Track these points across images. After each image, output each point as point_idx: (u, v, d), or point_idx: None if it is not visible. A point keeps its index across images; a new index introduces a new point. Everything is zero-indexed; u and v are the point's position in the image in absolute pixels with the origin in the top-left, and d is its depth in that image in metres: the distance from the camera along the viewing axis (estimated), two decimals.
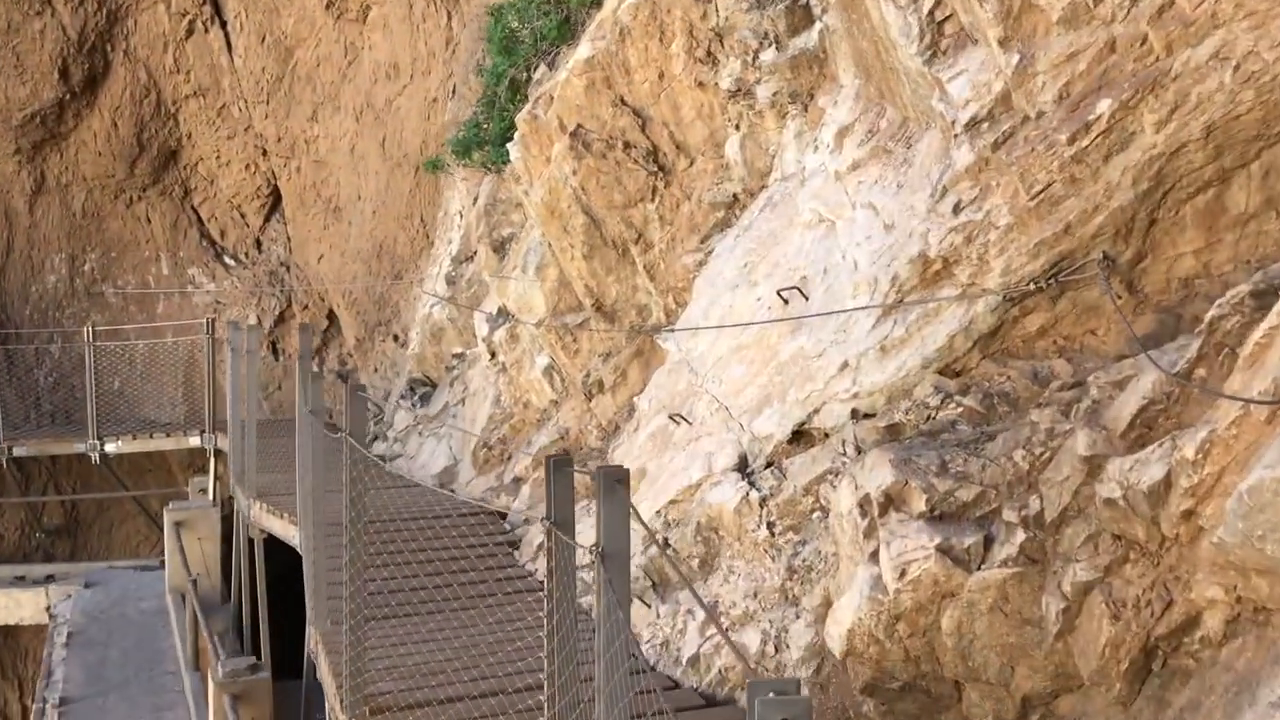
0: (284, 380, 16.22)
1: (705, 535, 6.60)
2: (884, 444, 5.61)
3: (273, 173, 16.12)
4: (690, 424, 7.08)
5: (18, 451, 14.92)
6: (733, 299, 7.35)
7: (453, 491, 10.62)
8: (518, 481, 9.85)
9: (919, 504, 5.07)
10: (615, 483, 4.30)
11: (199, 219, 16.62)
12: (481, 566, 8.53)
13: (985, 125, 5.52)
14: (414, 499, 10.43)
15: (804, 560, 6.04)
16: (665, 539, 6.81)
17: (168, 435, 15.24)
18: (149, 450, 15.51)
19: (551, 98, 8.63)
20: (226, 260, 16.52)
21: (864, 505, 5.28)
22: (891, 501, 5.15)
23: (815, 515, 6.09)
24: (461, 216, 11.87)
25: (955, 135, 5.66)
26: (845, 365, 6.13)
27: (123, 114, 15.88)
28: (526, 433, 10.09)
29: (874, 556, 5.15)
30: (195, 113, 16.05)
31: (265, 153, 16.05)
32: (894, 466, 5.21)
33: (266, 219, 16.49)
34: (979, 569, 4.86)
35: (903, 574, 4.92)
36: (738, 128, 8.02)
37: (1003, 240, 5.50)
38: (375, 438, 13.25)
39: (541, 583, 8.53)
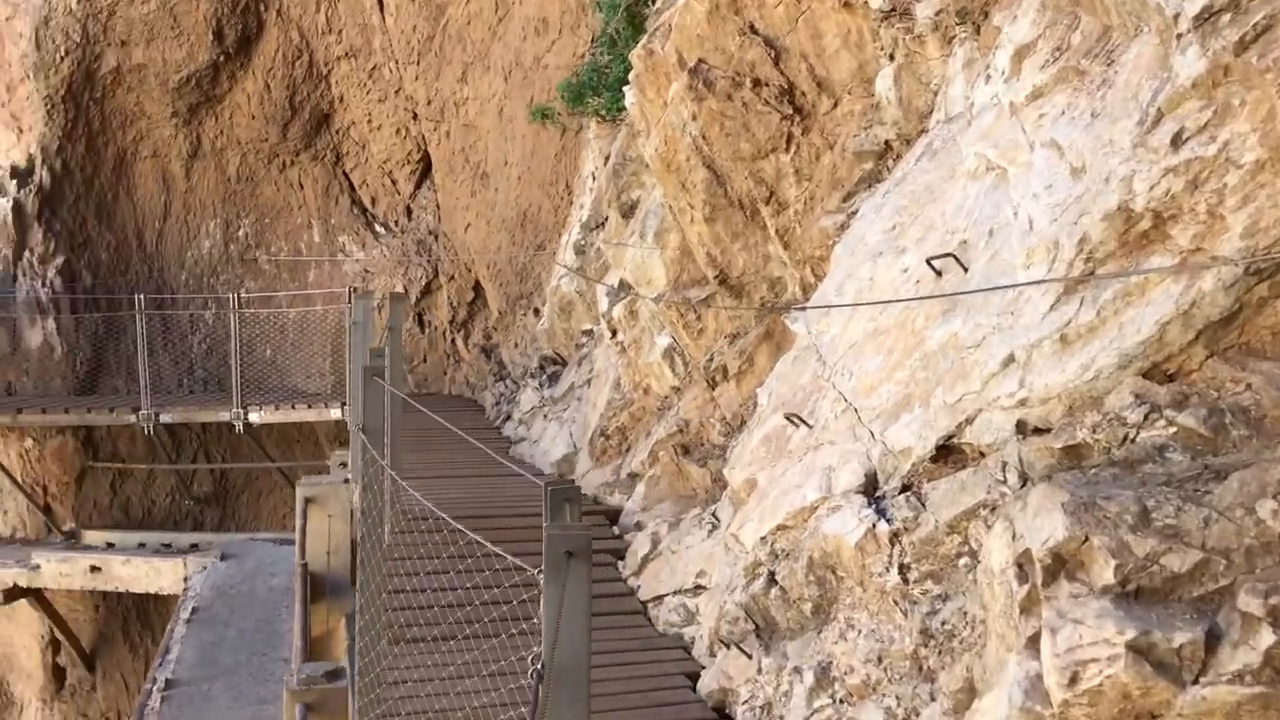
0: (429, 353, 15.25)
1: (820, 574, 4.98)
2: (1059, 474, 3.88)
3: (423, 137, 15.11)
4: (810, 427, 5.45)
5: (165, 418, 14.40)
6: (873, 270, 5.67)
7: (571, 483, 9.25)
8: (633, 478, 8.40)
9: (1104, 572, 3.35)
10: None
11: (350, 185, 15.79)
12: None
13: (1226, 17, 3.70)
14: (520, 490, 9.14)
15: (944, 623, 4.36)
16: (771, 573, 5.22)
17: (309, 406, 14.45)
18: (293, 421, 14.79)
19: (670, 28, 7.07)
20: (376, 228, 15.63)
21: (1023, 565, 3.58)
22: (1063, 564, 3.44)
23: (963, 562, 4.40)
24: (594, 178, 10.47)
25: (1179, 36, 3.86)
26: (1011, 360, 4.40)
27: (275, 76, 15.14)
28: (646, 422, 8.62)
29: (1033, 643, 3.46)
30: (346, 75, 15.17)
31: (416, 116, 15.04)
32: (1069, 512, 3.49)
33: (417, 186, 15.51)
34: (1196, 683, 3.11)
35: (1074, 679, 3.22)
36: (892, 58, 6.30)
37: (1247, 185, 3.68)
38: (507, 417, 12.06)
39: (646, 604, 7.11)
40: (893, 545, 4.63)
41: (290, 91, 15.24)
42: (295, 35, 15.08)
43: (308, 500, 12.79)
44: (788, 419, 5.60)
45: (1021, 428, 4.31)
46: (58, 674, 15.57)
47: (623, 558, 7.41)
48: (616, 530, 7.95)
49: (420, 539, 7.72)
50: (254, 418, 14.40)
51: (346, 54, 15.09)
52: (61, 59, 14.69)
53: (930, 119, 6.14)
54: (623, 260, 8.37)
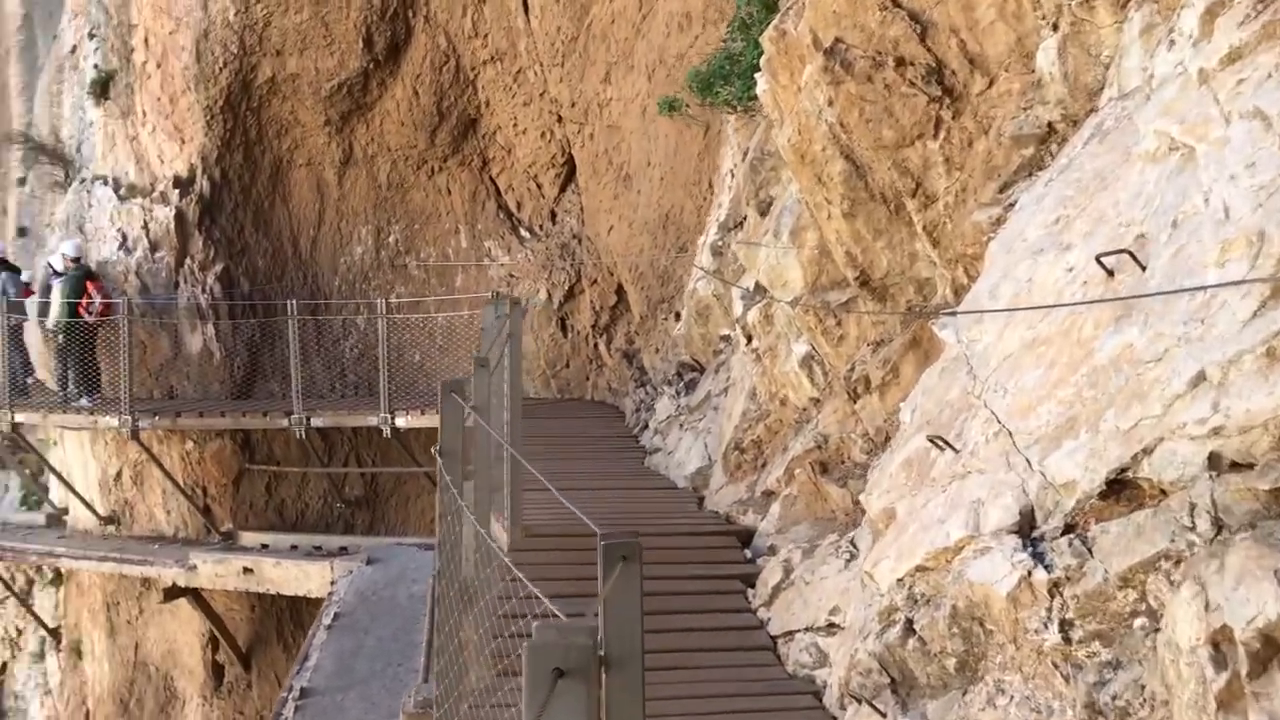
0: (571, 358, 14.84)
1: (965, 626, 4.21)
2: (1266, 523, 3.05)
3: (567, 140, 14.71)
4: (956, 452, 4.67)
5: (316, 422, 14.38)
6: (1033, 270, 4.85)
7: (700, 500, 8.63)
8: (768, 497, 7.70)
9: None
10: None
11: (496, 190, 15.53)
12: (700, 609, 6.49)
13: None
14: (657, 504, 8.55)
15: (1116, 697, 3.54)
16: (908, 620, 4.47)
17: None
18: (437, 426, 14.56)
19: (804, 6, 6.36)
20: (522, 232, 15.32)
21: (1220, 646, 2.78)
22: (1277, 651, 2.62)
23: (1139, 624, 3.57)
24: (732, 175, 9.81)
25: None
26: (1201, 378, 3.56)
27: (423, 82, 14.99)
28: (783, 436, 7.91)
29: None
30: (493, 79, 14.90)
31: (560, 119, 14.65)
32: None
33: (562, 189, 15.13)
34: None
35: None
36: (1055, 28, 5.46)
37: None
38: (644, 425, 11.50)
39: (776, 640, 6.41)
40: (1052, 597, 3.83)
41: (438, 97, 15.06)
42: (442, 40, 14.90)
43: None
44: (930, 441, 4.83)
45: (1215, 462, 3.46)
46: (217, 671, 15.78)
47: (753, 586, 6.73)
48: (748, 554, 7.27)
49: (545, 556, 7.22)
50: (401, 422, 14.24)
51: (492, 58, 14.82)
52: (220, 70, 14.87)
53: (1100, 96, 5.28)
54: (756, 261, 7.69)
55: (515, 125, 14.99)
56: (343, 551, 14.64)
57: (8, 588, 17.13)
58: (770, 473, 7.80)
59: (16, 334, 15.23)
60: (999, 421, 4.47)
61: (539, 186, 15.23)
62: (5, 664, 18.08)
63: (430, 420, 14.34)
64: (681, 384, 10.56)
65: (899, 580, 4.56)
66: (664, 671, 5.78)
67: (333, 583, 13.57)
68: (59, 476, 16.33)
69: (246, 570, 14.16)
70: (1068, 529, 3.93)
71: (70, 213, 15.65)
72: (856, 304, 6.86)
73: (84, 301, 14.06)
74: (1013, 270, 5.01)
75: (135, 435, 14.25)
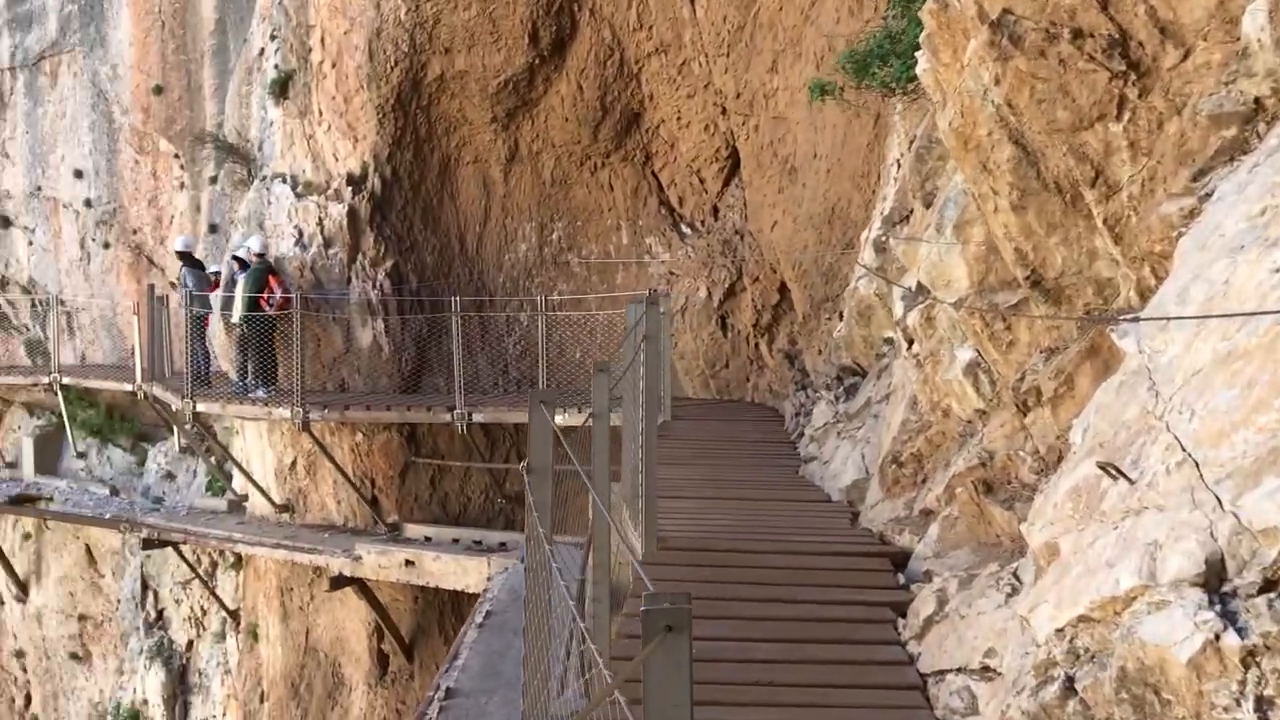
0: (731, 358, 14.32)
1: (1136, 693, 3.53)
2: None
3: (731, 132, 14.21)
4: (1131, 482, 3.96)
5: (477, 418, 14.35)
6: (1231, 270, 4.09)
7: (854, 516, 7.99)
8: (926, 516, 7.03)
9: None
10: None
11: (659, 185, 15.16)
12: (845, 639, 5.90)
13: None
14: (810, 519, 7.97)
15: None
16: (1068, 678, 3.81)
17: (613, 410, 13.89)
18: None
19: None
20: (683, 229, 14.90)
21: None
22: None
23: None
24: (898, 165, 9.11)
25: None
26: None
27: (588, 77, 14.75)
28: (945, 450, 7.21)
29: None
30: (656, 71, 14.53)
31: (724, 111, 14.17)
32: None
33: (725, 184, 14.64)
34: None
35: None
36: None
37: None
38: (801, 432, 10.90)
39: (926, 679, 5.76)
40: (1246, 669, 3.14)
41: (602, 92, 14.79)
42: (607, 34, 14.61)
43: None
44: (1101, 468, 4.13)
45: None
46: (381, 660, 15.98)
47: (904, 615, 6.09)
48: (902, 579, 6.62)
49: (676, 572, 6.77)
50: (559, 420, 14.01)
51: (657, 50, 14.45)
52: (391, 68, 14.99)
53: None
54: (917, 258, 7.02)
55: (679, 119, 14.58)
56: (501, 547, 14.59)
57: (193, 570, 17.81)
58: (930, 490, 7.12)
59: (199, 327, 15.79)
60: (1183, 449, 3.75)
61: (701, 181, 14.77)
62: (191, 642, 18.84)
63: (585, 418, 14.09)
64: (841, 389, 9.92)
65: (1059, 630, 3.90)
66: (805, 709, 5.25)
67: (489, 579, 13.49)
68: (237, 465, 16.86)
69: (408, 563, 14.24)
70: (1267, 586, 3.22)
71: (251, 210, 16.09)
72: (1027, 306, 6.13)
73: (265, 295, 14.48)
74: (1206, 270, 4.26)
75: (306, 427, 14.53)
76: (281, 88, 16.07)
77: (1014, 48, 5.41)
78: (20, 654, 20.57)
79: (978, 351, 6.70)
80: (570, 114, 14.96)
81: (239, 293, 14.87)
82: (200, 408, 15.15)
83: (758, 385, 14.06)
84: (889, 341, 9.17)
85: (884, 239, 8.96)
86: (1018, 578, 5.43)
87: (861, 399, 9.30)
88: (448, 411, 14.24)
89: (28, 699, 20.74)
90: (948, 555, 6.55)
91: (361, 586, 15.01)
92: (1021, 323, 6.24)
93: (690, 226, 14.93)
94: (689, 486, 9.00)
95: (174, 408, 15.92)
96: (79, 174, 20.28)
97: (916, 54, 6.32)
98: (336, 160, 15.64)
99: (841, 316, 11.51)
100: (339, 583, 14.76)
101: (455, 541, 14.84)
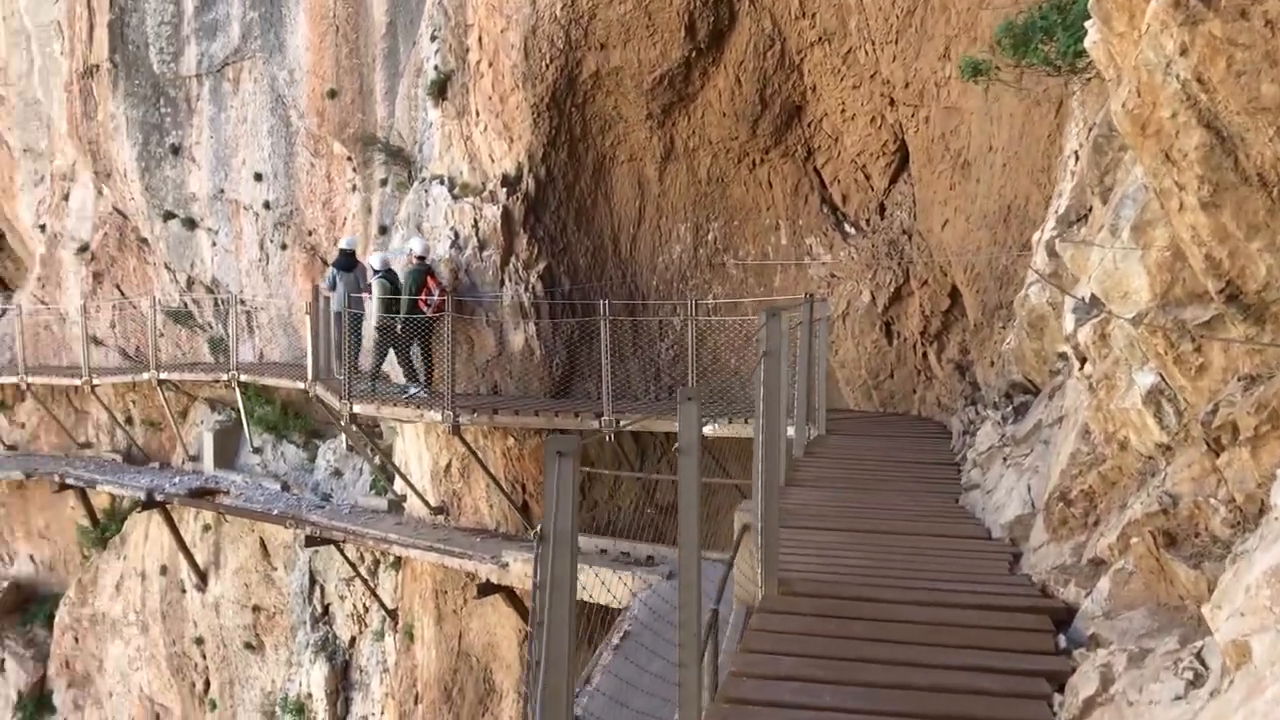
0: (897, 368, 13.25)
1: None
2: None
3: (900, 125, 13.15)
4: None
5: (625, 425, 13.75)
6: None
7: (1014, 559, 6.95)
8: (1096, 566, 5.96)
9: None
10: None
11: (820, 182, 14.21)
12: (990, 717, 4.96)
13: None
14: (944, 560, 6.98)
15: None
16: None
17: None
18: (746, 437, 13.50)
19: None
20: (846, 228, 13.90)
21: None
22: None
23: None
24: (1076, 158, 7.97)
25: None
26: None
27: (746, 69, 13.94)
28: (1121, 489, 6.11)
29: None
30: (819, 62, 13.59)
31: (892, 102, 13.12)
32: None
33: (892, 180, 13.57)
34: None
35: None
36: None
37: None
38: (964, 455, 9.82)
39: None
40: None
41: (761, 85, 13.96)
42: (767, 23, 13.77)
43: (745, 529, 11.43)
44: None
45: None
46: (532, 668, 15.61)
47: (1061, 689, 5.09)
48: (1062, 641, 5.60)
49: (798, 623, 5.94)
50: (708, 430, 13.30)
51: (820, 39, 13.52)
52: (546, 66, 14.57)
53: None
54: (1087, 265, 5.96)
55: (843, 111, 13.61)
56: (649, 561, 13.98)
57: (353, 568, 17.91)
58: (1102, 536, 6.05)
59: (357, 328, 15.78)
60: None
61: (867, 177, 13.76)
62: (354, 638, 18.98)
63: (735, 430, 13.32)
64: (1009, 408, 8.82)
65: None
66: None
67: (633, 595, 12.89)
68: (393, 466, 16.81)
69: None
70: None
71: (410, 212, 15.99)
72: (1222, 325, 5.04)
73: (422, 297, 14.43)
74: None
75: (456, 430, 14.27)
76: (440, 88, 15.89)
77: (1205, 8, 4.36)
78: (200, 641, 21.24)
79: (1161, 376, 5.61)
80: (728, 109, 14.19)
81: (375, 295, 14.93)
82: (357, 409, 15.10)
83: (925, 398, 12.97)
84: (1064, 357, 8.05)
85: (1057, 241, 7.84)
86: (1202, 662, 4.38)
87: (1031, 421, 8.20)
88: (595, 418, 13.70)
89: (206, 684, 21.40)
90: (1119, 617, 5.49)
91: (509, 593, 14.67)
92: (1215, 344, 5.14)
93: (854, 226, 13.93)
94: (829, 514, 8.13)
95: (335, 408, 15.98)
96: (259, 177, 20.76)
97: (1086, 24, 5.29)
98: (492, 161, 15.34)
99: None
100: (485, 590, 14.45)
101: (603, 552, 14.31)
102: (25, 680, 23.09)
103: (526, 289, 14.84)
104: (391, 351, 15.36)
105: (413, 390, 14.98)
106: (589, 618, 15.12)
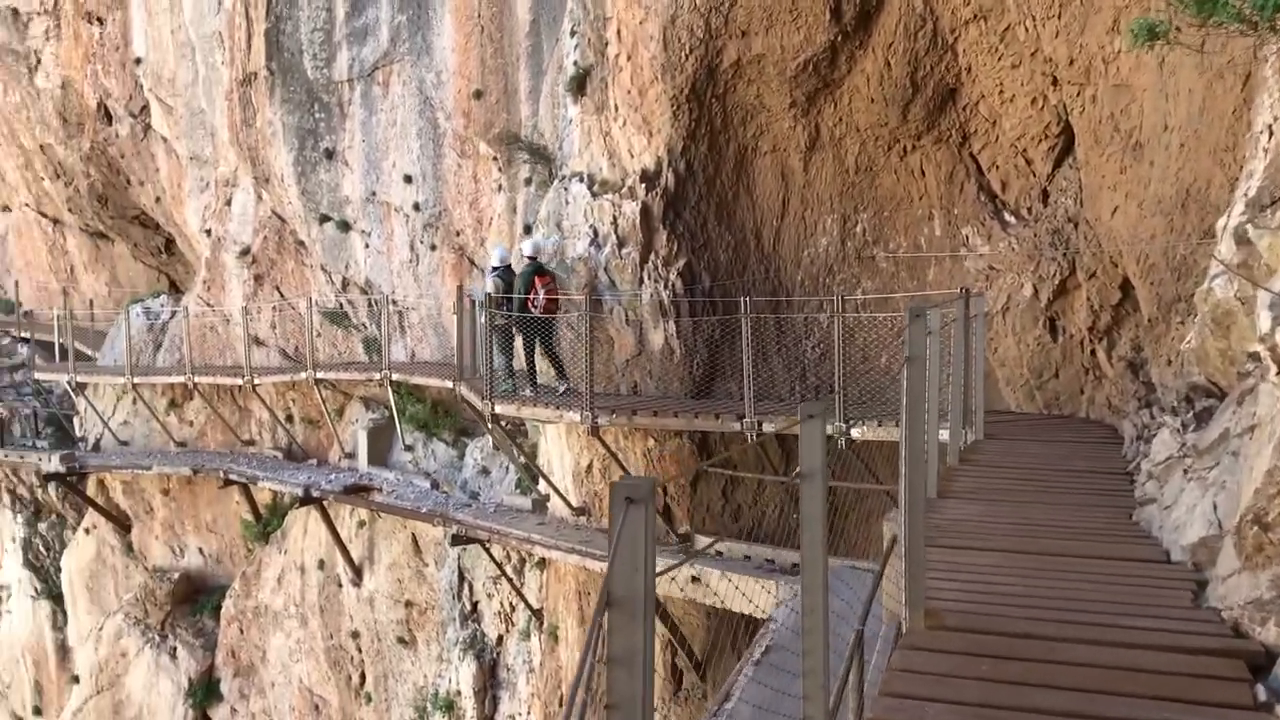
0: (1062, 366, 12.23)
1: None
2: None
3: (1064, 105, 12.13)
4: None
5: (767, 427, 13.13)
6: None
7: (1197, 588, 6.08)
8: None
9: None
10: None
11: (977, 169, 13.26)
12: None
13: None
14: (1114, 588, 6.17)
15: None
16: None
17: None
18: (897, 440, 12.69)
19: None
20: (1005, 217, 12.93)
21: None
22: None
23: None
24: (1270, 134, 7.00)
25: None
26: None
27: (895, 52, 13.12)
28: None
29: None
30: (975, 40, 12.66)
31: (1055, 81, 12.11)
32: None
33: (1056, 165, 12.55)
34: None
35: None
36: None
37: None
38: (1137, 464, 8.86)
39: None
40: None
41: (911, 68, 13.12)
42: (918, 2, 12.92)
43: (894, 540, 10.73)
44: None
45: None
46: (675, 676, 15.17)
47: None
48: (1261, 693, 4.79)
49: (950, 663, 5.27)
50: (856, 434, 12.59)
51: (975, 16, 12.59)
52: (686, 57, 14.06)
53: None
54: (1277, 250, 5.10)
55: (1001, 92, 12.66)
56: (795, 569, 13.32)
57: (499, 568, 17.81)
58: None
59: (504, 330, 15.61)
60: None
61: (1028, 162, 12.77)
62: (501, 637, 18.91)
63: (886, 433, 12.55)
64: (1190, 413, 7.87)
65: None
66: None
67: (776, 604, 12.29)
68: (534, 465, 16.59)
69: (694, 579, 13.30)
70: None
71: (550, 210, 15.72)
72: None
73: (530, 296, 14.22)
74: None
75: (595, 431, 13.92)
76: (579, 84, 15.56)
77: None
78: (356, 634, 21.56)
79: None
80: (876, 94, 13.40)
81: (485, 292, 14.94)
82: (498, 409, 14.92)
83: (1094, 399, 11.93)
84: (1254, 357, 7.09)
85: (1246, 227, 6.90)
86: None
87: (1216, 429, 7.25)
88: (737, 420, 13.13)
89: (362, 677, 21.73)
90: None
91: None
92: None
93: (1014, 214, 12.96)
94: (984, 531, 7.37)
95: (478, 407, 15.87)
96: (408, 179, 20.91)
97: None
98: (631, 156, 14.93)
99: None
100: None
101: (746, 558, 13.75)
102: (195, 668, 23.94)
103: (666, 286, 14.37)
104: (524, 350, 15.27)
105: (526, 391, 14.83)
106: (731, 626, 14.60)
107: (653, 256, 14.49)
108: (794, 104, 13.87)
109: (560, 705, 17.02)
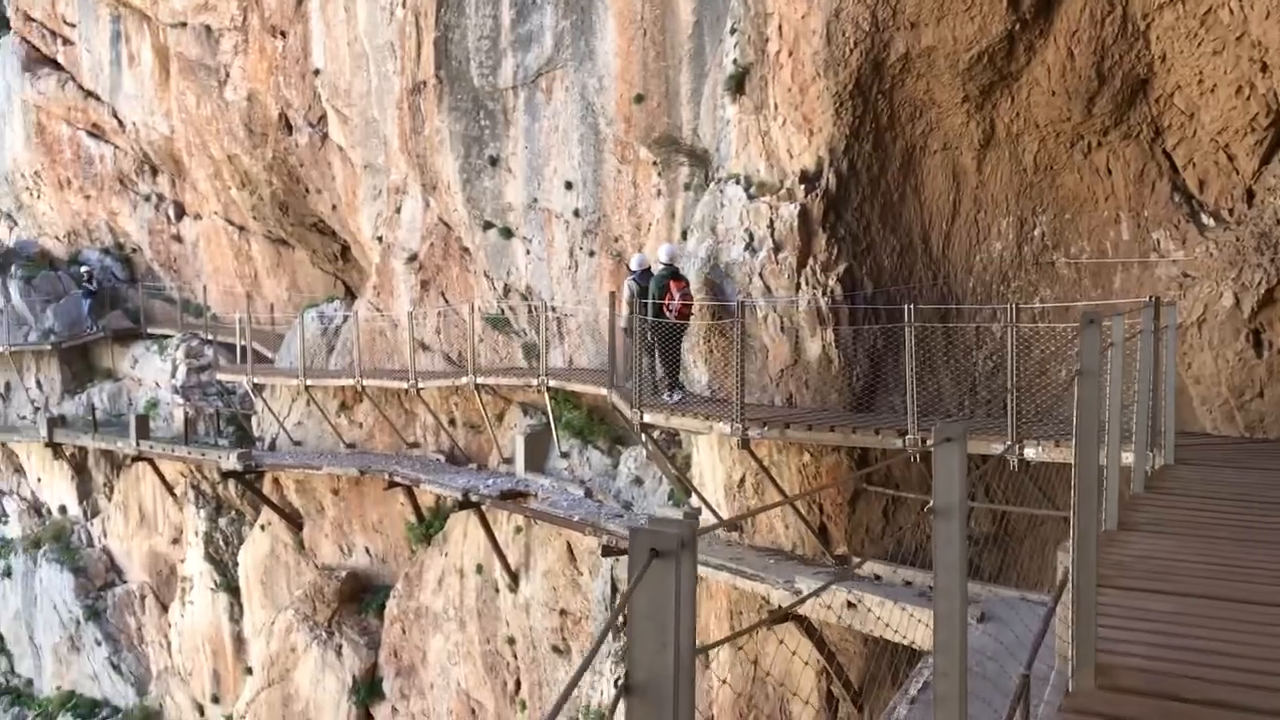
0: (1267, 385, 10.93)
1: None
2: None
3: (1274, 94, 10.86)
4: None
5: (933, 445, 12.23)
6: None
7: None
8: None
9: None
10: None
11: (1171, 167, 12.04)
12: None
13: None
14: None
15: None
16: None
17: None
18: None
19: None
20: (1203, 219, 11.68)
21: None
22: None
23: None
24: None
25: None
26: None
27: (1080, 40, 12.05)
28: None
29: None
30: (1171, 25, 11.49)
31: (1265, 67, 10.86)
32: None
33: (1264, 161, 11.24)
34: None
35: None
36: None
37: None
38: None
39: None
40: None
41: (1098, 57, 12.02)
42: None
43: (1067, 573, 9.75)
44: None
45: None
46: (830, 704, 14.38)
47: None
48: None
49: None
50: (1030, 454, 11.57)
51: (1171, 0, 11.44)
52: (850, 51, 13.32)
53: None
54: None
55: (1200, 82, 11.44)
56: None
57: None
58: None
59: (642, 335, 15.22)
60: None
61: (1230, 159, 11.50)
62: None
63: (1063, 454, 11.49)
64: None
65: None
66: None
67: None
68: (684, 479, 16.08)
69: (850, 605, 12.51)
70: None
71: (705, 214, 15.20)
72: None
73: (665, 301, 13.91)
74: None
75: (745, 444, 13.31)
76: (738, 83, 14.99)
77: None
78: (512, 640, 21.50)
79: None
80: (1058, 86, 12.35)
81: (623, 298, 14.66)
82: (647, 418, 14.48)
83: None
84: None
85: None
86: None
87: None
88: (899, 437, 12.29)
89: (517, 684, 21.65)
90: None
91: (804, 622, 13.51)
92: None
93: (1213, 216, 11.69)
94: (1171, 572, 6.44)
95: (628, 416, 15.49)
96: (569, 185, 20.76)
97: None
98: (790, 157, 14.26)
99: None
100: (778, 618, 13.37)
101: (908, 584, 12.87)
102: (359, 666, 24.39)
103: (824, 293, 13.63)
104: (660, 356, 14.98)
105: (665, 397, 14.46)
106: (892, 655, 13.71)
107: (811, 261, 13.78)
108: (967, 99, 12.94)
109: None
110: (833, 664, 13.84)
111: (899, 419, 12.82)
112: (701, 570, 14.94)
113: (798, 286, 13.80)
